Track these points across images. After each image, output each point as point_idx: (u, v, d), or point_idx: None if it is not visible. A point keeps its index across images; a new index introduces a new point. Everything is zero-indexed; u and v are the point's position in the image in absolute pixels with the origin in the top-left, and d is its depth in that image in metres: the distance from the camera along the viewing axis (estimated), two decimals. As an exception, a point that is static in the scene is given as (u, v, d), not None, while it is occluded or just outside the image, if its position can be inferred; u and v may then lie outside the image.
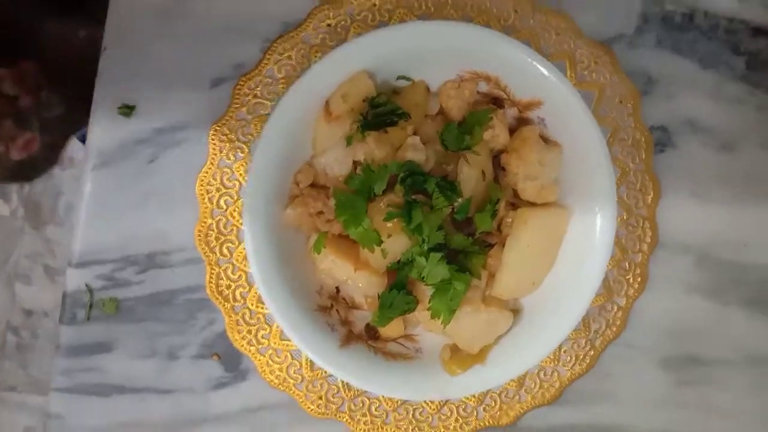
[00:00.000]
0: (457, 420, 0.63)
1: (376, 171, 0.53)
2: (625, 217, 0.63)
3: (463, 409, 0.63)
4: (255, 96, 0.61)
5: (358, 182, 0.53)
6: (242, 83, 0.61)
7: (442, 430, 0.63)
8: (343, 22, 0.61)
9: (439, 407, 0.62)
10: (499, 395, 0.62)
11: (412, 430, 0.63)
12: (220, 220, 0.61)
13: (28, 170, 0.73)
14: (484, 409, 0.63)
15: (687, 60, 0.65)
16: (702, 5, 0.65)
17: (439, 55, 0.54)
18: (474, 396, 0.61)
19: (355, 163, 0.55)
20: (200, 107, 0.62)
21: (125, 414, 0.63)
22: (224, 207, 0.61)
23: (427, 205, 0.53)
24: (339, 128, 0.54)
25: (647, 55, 0.64)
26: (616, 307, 0.63)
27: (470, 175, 0.54)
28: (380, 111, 0.53)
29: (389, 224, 0.53)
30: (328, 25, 0.61)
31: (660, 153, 0.64)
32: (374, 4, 0.61)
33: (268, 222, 0.55)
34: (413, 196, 0.53)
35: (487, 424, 0.62)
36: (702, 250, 0.63)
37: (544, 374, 0.62)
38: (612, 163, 0.55)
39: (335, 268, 0.56)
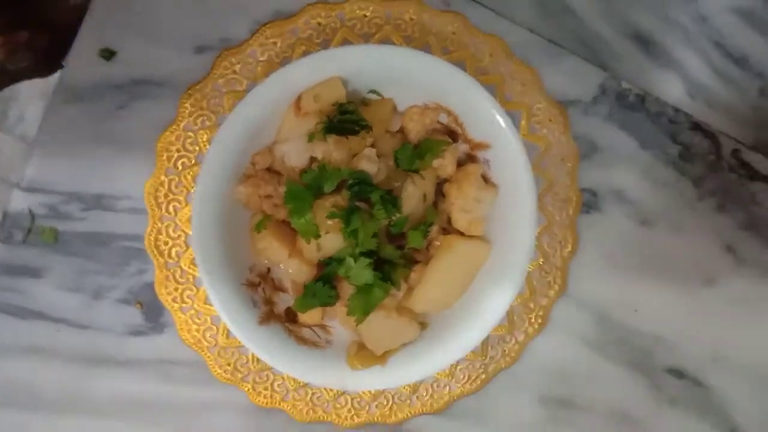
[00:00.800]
0: (350, 410, 0.68)
1: (329, 171, 0.57)
2: (540, 263, 0.69)
3: (358, 402, 0.68)
4: (234, 72, 0.64)
5: (311, 177, 0.57)
6: (225, 56, 0.64)
7: (335, 416, 0.68)
8: (332, 24, 0.65)
9: (336, 396, 0.67)
10: (393, 396, 0.67)
11: (307, 411, 0.67)
12: (173, 179, 0.64)
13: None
14: (377, 406, 0.68)
15: (630, 137, 0.71)
16: (655, 91, 0.71)
17: (411, 80, 0.58)
18: (370, 392, 0.66)
19: (312, 159, 0.59)
20: (179, 69, 0.64)
21: (39, 340, 0.65)
22: (179, 168, 0.64)
23: (367, 213, 0.57)
24: (305, 124, 0.58)
25: (597, 124, 0.70)
26: (514, 341, 0.69)
27: (413, 195, 0.59)
28: (346, 118, 0.57)
29: (329, 222, 0.57)
30: (318, 23, 0.65)
31: (585, 213, 0.71)
32: (365, 15, 0.65)
33: (218, 192, 0.58)
34: (357, 203, 0.57)
35: (376, 420, 0.68)
36: (599, 306, 0.70)
37: (437, 386, 0.68)
38: (539, 212, 0.60)
39: (271, 250, 0.59)
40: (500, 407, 0.69)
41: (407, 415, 0.68)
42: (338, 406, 0.68)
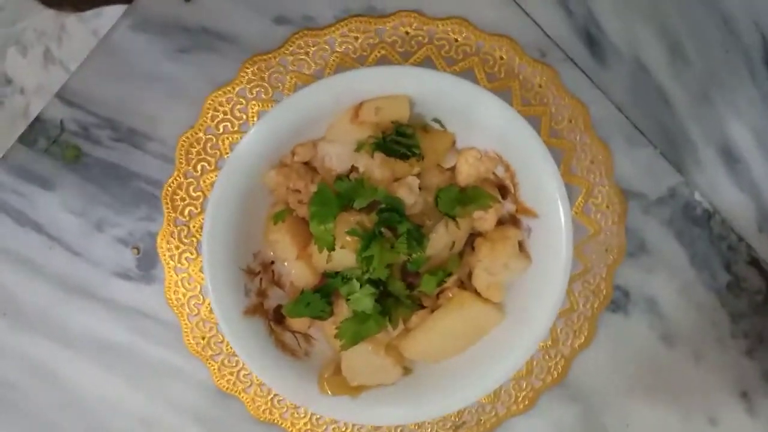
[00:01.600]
0: (306, 424, 0.65)
1: (365, 188, 0.53)
2: (548, 345, 0.65)
3: (317, 419, 0.65)
4: (306, 54, 0.61)
5: (344, 187, 0.54)
6: (302, 35, 0.61)
7: (290, 425, 0.65)
8: (420, 37, 0.62)
9: (297, 406, 0.64)
10: (346, 428, 0.64)
11: (264, 410, 0.65)
12: (209, 139, 0.61)
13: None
14: (333, 430, 0.65)
15: (683, 249, 0.67)
16: (725, 212, 0.66)
17: (479, 122, 0.55)
18: (330, 419, 0.63)
19: (353, 169, 0.56)
20: (253, 33, 0.61)
21: (30, 252, 0.63)
22: (220, 131, 0.61)
23: (389, 243, 0.54)
24: (358, 131, 0.55)
25: (654, 225, 0.66)
26: (494, 413, 0.65)
27: (442, 239, 0.55)
28: (400, 140, 0.54)
29: (348, 238, 0.54)
30: (407, 32, 0.61)
31: (611, 311, 0.66)
32: (456, 39, 0.61)
33: (250, 168, 0.55)
34: (382, 229, 0.54)
35: (327, 444, 0.65)
36: (592, 406, 0.66)
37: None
38: (565, 295, 0.57)
39: (281, 244, 0.56)
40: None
41: (359, 451, 0.65)
42: (297, 416, 0.65)
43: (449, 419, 0.65)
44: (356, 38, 0.61)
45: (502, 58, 0.62)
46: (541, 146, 0.54)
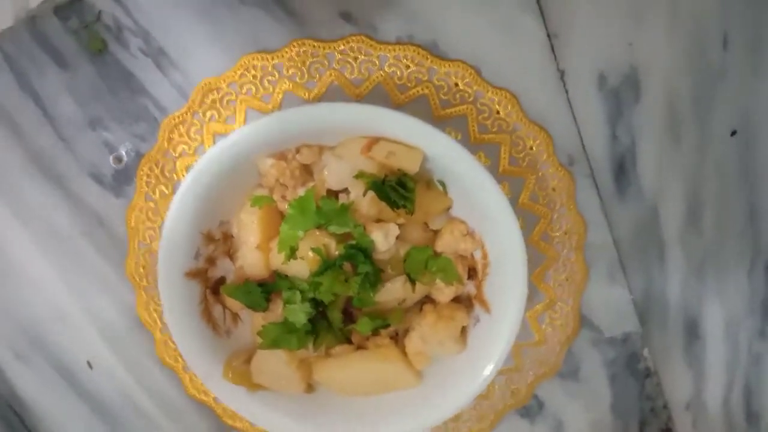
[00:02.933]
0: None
1: (345, 218, 0.53)
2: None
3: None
4: (355, 60, 0.60)
5: (328, 207, 0.54)
6: (354, 40, 0.60)
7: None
8: (420, 76, 0.60)
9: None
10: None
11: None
12: (229, 93, 0.61)
13: None
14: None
15: (610, 391, 0.68)
16: (663, 380, 0.68)
17: (480, 208, 0.54)
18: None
19: (343, 192, 0.56)
20: (315, 18, 0.60)
21: (20, 116, 0.62)
22: (242, 91, 0.61)
23: (344, 275, 0.54)
24: (364, 161, 0.54)
25: (595, 360, 0.67)
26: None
27: (395, 293, 0.56)
28: (399, 190, 0.53)
29: (310, 253, 0.54)
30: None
31: (520, 415, 0.68)
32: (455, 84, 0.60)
33: (252, 145, 0.54)
34: (344, 261, 0.54)
35: None
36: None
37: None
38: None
39: (248, 228, 0.57)
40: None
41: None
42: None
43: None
44: (407, 67, 0.60)
45: (531, 148, 0.61)
46: (522, 255, 0.53)
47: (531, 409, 0.68)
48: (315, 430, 0.58)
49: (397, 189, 0.53)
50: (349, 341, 0.59)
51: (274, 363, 0.58)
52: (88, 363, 0.68)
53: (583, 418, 0.68)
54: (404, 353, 0.59)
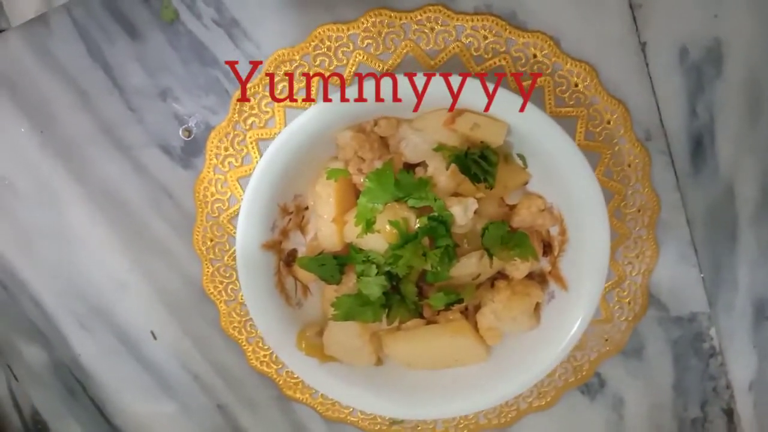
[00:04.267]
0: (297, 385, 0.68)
1: (425, 192, 0.53)
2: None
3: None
4: (432, 30, 0.59)
5: (406, 180, 0.53)
6: (430, 10, 0.59)
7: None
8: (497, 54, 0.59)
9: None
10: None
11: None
12: (302, 65, 0.60)
13: None
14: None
15: (673, 371, 0.68)
16: (727, 360, 0.67)
17: (562, 183, 0.54)
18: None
19: (421, 164, 0.55)
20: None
21: (89, 84, 0.62)
22: (315, 63, 0.60)
23: (422, 249, 0.54)
24: (445, 134, 0.53)
25: (660, 339, 0.67)
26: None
27: (471, 268, 0.56)
28: (481, 163, 0.53)
29: (387, 227, 0.54)
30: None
31: (580, 392, 0.68)
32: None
33: (324, 121, 0.53)
34: (425, 235, 0.53)
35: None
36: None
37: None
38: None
39: (323, 200, 0.56)
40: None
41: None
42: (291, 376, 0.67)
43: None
44: (485, 38, 0.59)
45: (609, 123, 0.60)
46: (606, 232, 0.53)
47: (592, 386, 0.68)
48: (384, 402, 0.59)
49: (479, 162, 0.53)
50: (421, 315, 0.59)
51: (346, 335, 0.58)
52: (152, 333, 0.68)
53: (644, 397, 0.68)
54: (476, 328, 0.59)
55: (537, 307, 0.58)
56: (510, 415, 0.68)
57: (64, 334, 0.69)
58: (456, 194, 0.55)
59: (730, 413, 0.68)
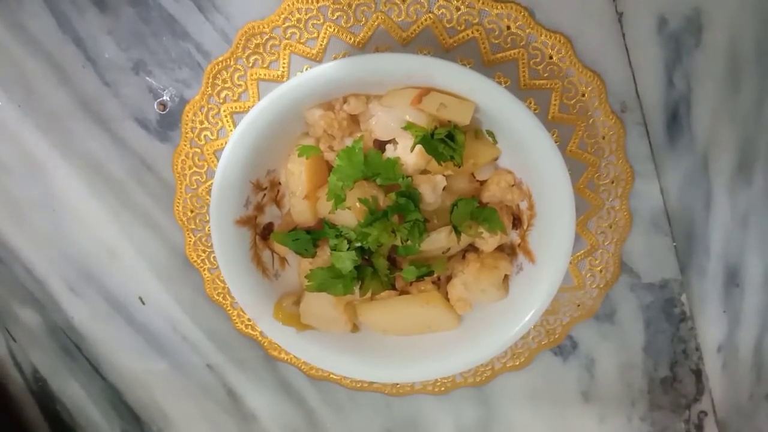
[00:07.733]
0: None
1: (393, 171, 0.53)
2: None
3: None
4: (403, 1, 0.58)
5: (375, 159, 0.54)
6: None
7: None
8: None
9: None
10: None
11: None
12: (273, 38, 0.59)
13: None
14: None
15: (644, 334, 0.70)
16: (697, 324, 0.69)
17: (530, 159, 0.54)
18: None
19: (390, 142, 0.55)
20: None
21: (62, 58, 0.62)
22: (286, 36, 0.59)
23: (391, 225, 0.55)
24: (413, 113, 0.53)
25: (631, 304, 0.68)
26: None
27: (440, 242, 0.57)
28: (448, 143, 0.53)
29: (357, 204, 0.54)
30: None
31: (553, 353, 0.70)
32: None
33: (295, 98, 0.53)
34: (394, 213, 0.54)
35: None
36: None
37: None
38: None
39: (296, 177, 0.57)
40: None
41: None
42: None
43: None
44: (457, 9, 0.58)
45: (583, 95, 0.60)
46: (571, 207, 0.53)
47: (564, 348, 0.71)
48: (359, 365, 0.61)
49: (446, 142, 0.53)
50: (393, 287, 0.60)
51: (321, 305, 0.60)
52: (140, 299, 0.71)
53: (615, 358, 0.71)
54: (446, 298, 0.60)
55: (506, 278, 0.60)
56: (485, 374, 0.71)
57: (57, 299, 0.71)
58: (425, 172, 0.55)
59: (698, 373, 0.71)
